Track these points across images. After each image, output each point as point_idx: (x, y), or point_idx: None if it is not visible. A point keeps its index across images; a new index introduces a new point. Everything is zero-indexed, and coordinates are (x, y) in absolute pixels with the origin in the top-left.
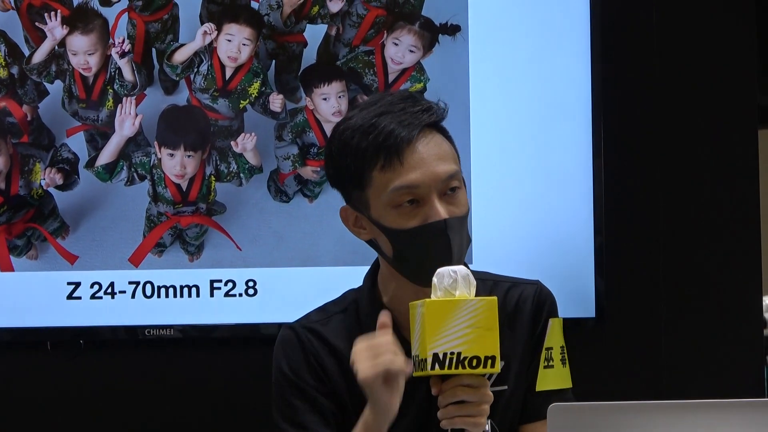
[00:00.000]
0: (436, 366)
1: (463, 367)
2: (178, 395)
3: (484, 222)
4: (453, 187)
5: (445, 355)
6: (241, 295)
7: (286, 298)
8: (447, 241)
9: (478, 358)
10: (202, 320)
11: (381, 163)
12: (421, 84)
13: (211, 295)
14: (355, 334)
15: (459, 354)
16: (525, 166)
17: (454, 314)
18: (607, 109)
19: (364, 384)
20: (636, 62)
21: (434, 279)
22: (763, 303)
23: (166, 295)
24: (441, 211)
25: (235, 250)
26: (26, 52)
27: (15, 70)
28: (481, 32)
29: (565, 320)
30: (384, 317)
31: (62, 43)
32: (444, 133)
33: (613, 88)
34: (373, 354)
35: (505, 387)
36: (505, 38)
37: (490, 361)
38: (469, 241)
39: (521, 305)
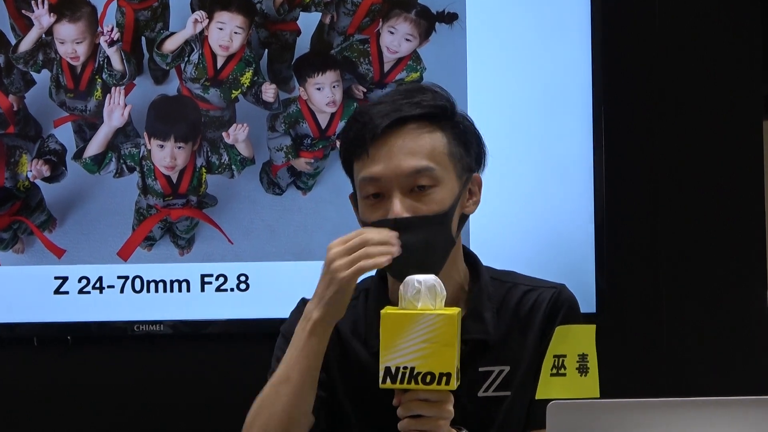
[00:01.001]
0: (388, 380)
1: (416, 383)
2: (169, 393)
3: (482, 216)
4: (422, 184)
5: (397, 369)
6: (232, 289)
7: (279, 293)
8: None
9: (432, 374)
10: (192, 316)
11: (356, 153)
12: (418, 74)
13: (202, 289)
14: (360, 324)
15: (412, 369)
16: (524, 159)
17: (410, 327)
18: (608, 99)
19: (334, 277)
20: (638, 52)
21: (401, 288)
22: None
23: (156, 290)
24: (397, 208)
25: (227, 244)
26: (12, 41)
27: (1, 60)
28: (479, 21)
29: None
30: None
31: (49, 32)
32: (448, 128)
33: (614, 78)
34: (351, 255)
35: (509, 393)
36: (504, 27)
37: (444, 378)
38: (450, 244)
39: (535, 310)
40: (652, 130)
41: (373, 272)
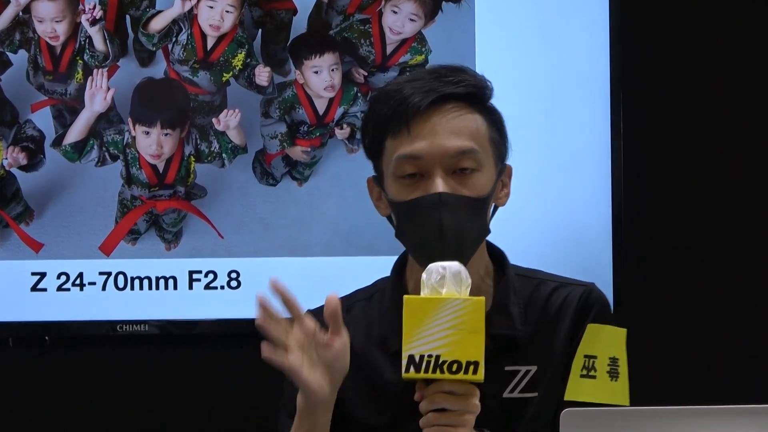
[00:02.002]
0: (411, 369)
1: (442, 372)
2: (154, 397)
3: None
4: (465, 167)
5: (422, 357)
6: (223, 287)
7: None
8: (438, 217)
9: (459, 362)
10: (180, 315)
11: (392, 130)
12: (423, 56)
13: (190, 287)
14: (374, 324)
15: (438, 357)
16: (536, 149)
17: (435, 313)
18: (628, 84)
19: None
20: (659, 33)
21: (423, 275)
22: None
23: (141, 288)
24: (440, 186)
25: (217, 238)
26: None
27: None
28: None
29: None
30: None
31: (27, 9)
32: (485, 112)
33: (633, 61)
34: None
35: (535, 394)
36: (516, 8)
37: (472, 367)
38: (485, 231)
39: (565, 308)
40: (673, 118)
41: (331, 277)
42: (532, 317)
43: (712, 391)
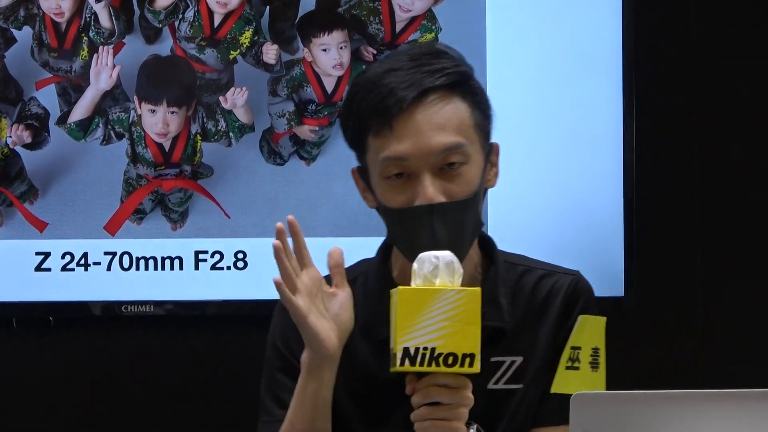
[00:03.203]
0: (406, 362)
1: (437, 365)
2: (158, 378)
3: (502, 189)
4: (452, 162)
5: (417, 350)
6: (229, 268)
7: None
8: (431, 228)
9: (454, 355)
10: (185, 296)
11: (374, 127)
12: (432, 34)
13: (196, 267)
14: (359, 309)
15: (433, 350)
16: (547, 130)
17: (430, 305)
18: (640, 64)
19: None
20: (671, 16)
21: (414, 265)
22: None
23: (146, 268)
24: (430, 192)
25: (223, 218)
26: None
27: None
28: None
29: None
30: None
31: None
32: (468, 96)
33: (646, 42)
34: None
35: (521, 386)
36: None
37: (468, 360)
38: (479, 225)
39: (551, 298)
40: (687, 98)
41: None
42: (518, 307)
43: (723, 375)
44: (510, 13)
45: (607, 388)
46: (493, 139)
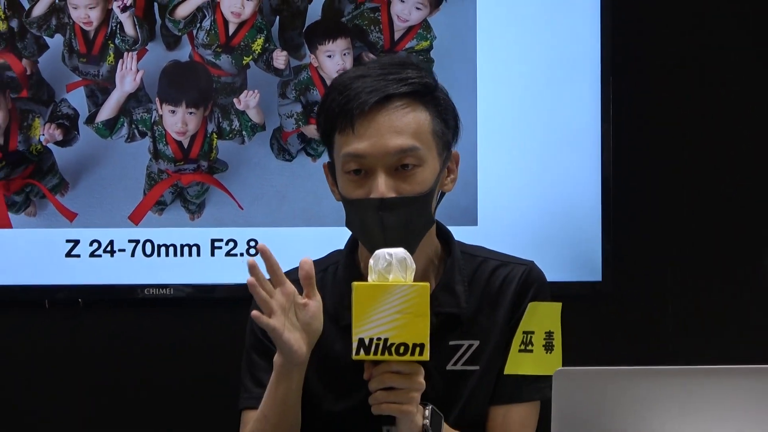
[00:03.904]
0: (361, 351)
1: (390, 354)
2: (177, 355)
3: (490, 184)
4: (406, 164)
5: (371, 340)
6: (242, 254)
7: (289, 258)
8: (380, 220)
9: (405, 345)
10: (202, 280)
11: (340, 126)
12: (428, 42)
13: (212, 254)
14: (327, 297)
15: (386, 340)
16: (532, 128)
17: (383, 299)
18: (617, 69)
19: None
20: (647, 19)
21: (371, 261)
22: None
23: (166, 254)
24: (382, 188)
25: (237, 209)
26: (26, 5)
27: (15, 24)
28: None
29: (571, 284)
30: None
31: None
32: (431, 105)
33: (622, 49)
34: (267, 310)
35: (477, 367)
36: None
37: (418, 349)
38: (429, 222)
39: (505, 287)
40: (659, 101)
41: (341, 245)
42: (475, 294)
43: (691, 352)
44: (498, 22)
45: (586, 364)
46: (483, 137)
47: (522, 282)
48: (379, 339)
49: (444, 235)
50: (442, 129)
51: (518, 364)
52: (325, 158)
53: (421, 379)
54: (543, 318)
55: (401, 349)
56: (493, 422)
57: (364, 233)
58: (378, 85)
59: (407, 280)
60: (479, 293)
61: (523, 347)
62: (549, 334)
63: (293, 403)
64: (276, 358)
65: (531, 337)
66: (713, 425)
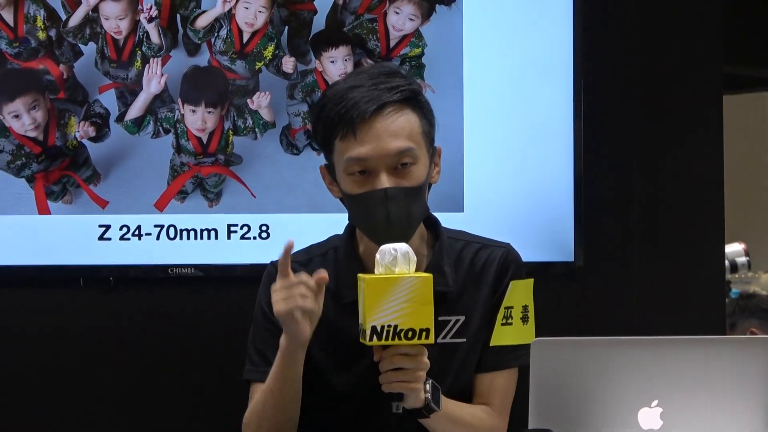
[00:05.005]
0: (374, 338)
1: (399, 339)
2: (198, 327)
3: (476, 174)
4: (404, 162)
5: (383, 327)
6: (255, 237)
7: (296, 241)
8: (385, 208)
9: (413, 330)
10: (219, 260)
11: (341, 133)
12: (420, 49)
13: (228, 237)
14: (331, 277)
15: (396, 327)
16: (513, 125)
17: (392, 290)
18: (587, 75)
19: (278, 316)
20: (613, 34)
21: (377, 255)
22: (725, 250)
23: (188, 237)
24: (385, 183)
25: (250, 197)
26: (63, 17)
27: (53, 33)
28: (474, 3)
29: (547, 263)
30: (322, 273)
31: (96, 9)
32: (417, 108)
33: (592, 56)
34: (287, 293)
35: (464, 340)
36: (496, 9)
37: (424, 333)
38: (424, 210)
39: (487, 266)
40: (625, 101)
41: (341, 230)
42: (460, 274)
43: (654, 324)
44: (482, 32)
45: (560, 335)
46: (469, 132)
47: (502, 263)
48: (389, 326)
49: (431, 222)
50: (428, 128)
51: (501, 335)
52: None
53: (426, 359)
54: (520, 294)
55: (409, 334)
56: (479, 388)
57: (369, 223)
58: (372, 94)
59: (411, 271)
60: (464, 273)
61: (504, 321)
62: (525, 308)
63: (296, 378)
64: (282, 340)
65: (511, 311)
66: (673, 388)
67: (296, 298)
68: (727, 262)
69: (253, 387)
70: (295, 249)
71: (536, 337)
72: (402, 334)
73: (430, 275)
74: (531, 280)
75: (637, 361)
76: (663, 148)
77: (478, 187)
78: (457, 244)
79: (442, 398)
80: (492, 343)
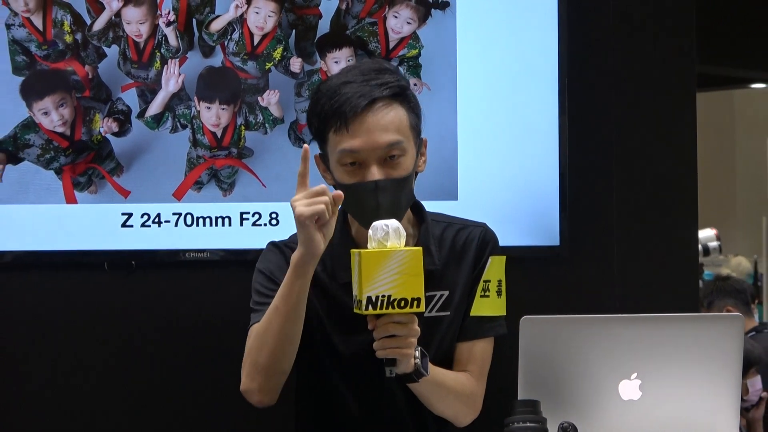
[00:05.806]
0: (370, 307)
1: (393, 308)
2: (213, 307)
3: (469, 166)
4: (393, 154)
5: (377, 297)
6: (265, 224)
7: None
8: (375, 198)
9: (405, 299)
10: (233, 245)
11: (334, 126)
12: (417, 50)
13: (241, 224)
14: (328, 258)
15: (389, 296)
16: (503, 120)
17: (385, 263)
18: (571, 74)
19: (299, 221)
20: (595, 36)
21: (369, 231)
22: (699, 235)
23: (204, 224)
24: (375, 173)
25: (261, 187)
26: (88, 21)
27: (79, 36)
28: (466, 8)
29: (534, 248)
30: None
31: (118, 14)
32: (405, 103)
33: (576, 57)
34: (311, 200)
35: (448, 313)
36: (486, 13)
37: (415, 302)
38: (411, 198)
39: (468, 244)
40: (606, 99)
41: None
42: (443, 253)
43: (633, 303)
44: (474, 34)
45: (547, 314)
46: (462, 126)
47: (481, 240)
48: (383, 296)
49: (417, 206)
50: (416, 121)
51: (480, 306)
52: None
53: (416, 327)
54: (496, 269)
55: (402, 303)
56: (459, 356)
57: (360, 211)
58: (364, 90)
59: (401, 245)
60: (446, 252)
61: (483, 293)
62: (500, 282)
63: (302, 297)
64: (295, 255)
65: (488, 284)
66: (651, 361)
67: (319, 204)
68: (700, 246)
69: (253, 327)
70: (290, 233)
71: (523, 315)
72: (395, 303)
73: (420, 249)
74: (504, 257)
75: (617, 337)
76: (642, 142)
77: (471, 178)
78: (439, 225)
79: (429, 365)
80: (472, 313)
